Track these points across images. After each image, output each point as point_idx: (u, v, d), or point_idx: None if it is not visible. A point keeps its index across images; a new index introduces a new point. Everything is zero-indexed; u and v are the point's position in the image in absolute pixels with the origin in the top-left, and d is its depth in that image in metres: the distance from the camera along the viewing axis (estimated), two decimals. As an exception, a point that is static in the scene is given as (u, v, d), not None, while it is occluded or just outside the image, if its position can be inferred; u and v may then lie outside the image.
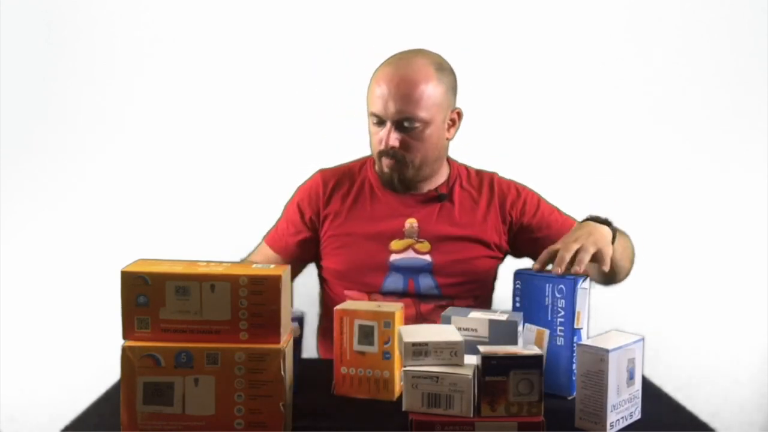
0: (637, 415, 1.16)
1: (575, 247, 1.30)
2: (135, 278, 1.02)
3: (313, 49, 2.41)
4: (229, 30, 2.43)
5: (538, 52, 2.44)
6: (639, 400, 1.16)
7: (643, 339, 1.16)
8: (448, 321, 1.20)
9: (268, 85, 2.42)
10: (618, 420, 1.11)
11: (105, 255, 2.30)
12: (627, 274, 1.65)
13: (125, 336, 1.03)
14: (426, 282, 1.59)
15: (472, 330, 1.19)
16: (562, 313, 1.24)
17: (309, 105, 2.39)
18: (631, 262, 1.64)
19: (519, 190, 1.71)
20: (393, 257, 1.60)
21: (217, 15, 2.43)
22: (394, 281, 1.59)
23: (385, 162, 1.60)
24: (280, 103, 2.41)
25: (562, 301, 1.24)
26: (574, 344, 1.21)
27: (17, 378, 2.39)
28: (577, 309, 1.24)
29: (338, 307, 1.24)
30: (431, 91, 1.55)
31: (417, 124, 1.55)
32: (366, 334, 1.21)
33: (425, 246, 1.61)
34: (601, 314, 2.43)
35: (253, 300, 1.02)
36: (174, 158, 2.42)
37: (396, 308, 1.23)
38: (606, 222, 1.44)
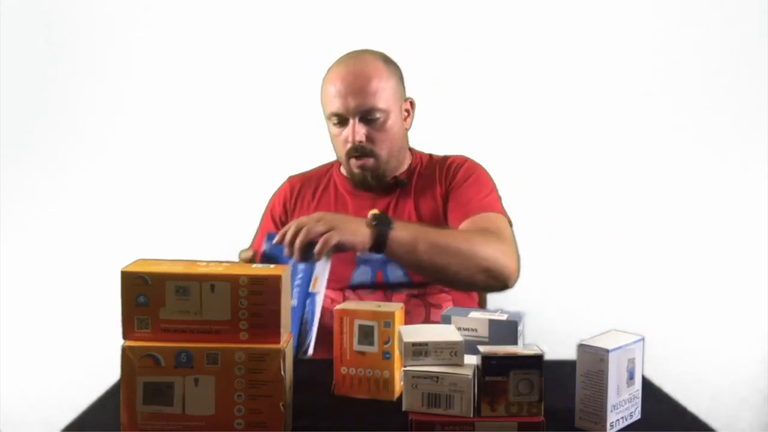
0: (637, 415, 1.15)
1: (298, 226, 1.30)
2: (135, 278, 1.02)
3: (312, 48, 2.41)
4: (228, 30, 2.43)
5: (538, 53, 2.44)
6: (639, 400, 1.16)
7: (643, 339, 1.16)
8: (448, 321, 1.20)
9: (268, 85, 2.42)
10: (618, 420, 1.11)
11: (105, 255, 2.30)
12: (453, 275, 1.44)
13: (125, 336, 1.03)
14: (394, 272, 1.59)
15: (472, 330, 1.19)
16: (301, 275, 1.29)
17: (308, 104, 2.39)
18: (458, 261, 1.43)
19: (461, 162, 1.70)
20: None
21: (216, 15, 2.43)
22: (362, 273, 1.60)
23: (355, 163, 1.63)
24: (280, 103, 2.41)
25: (302, 264, 1.29)
26: (306, 306, 1.27)
27: (17, 378, 2.39)
28: (315, 274, 1.29)
29: (338, 307, 1.24)
30: (384, 83, 1.61)
31: (378, 116, 1.59)
32: (366, 334, 1.21)
33: None
34: (601, 314, 2.44)
35: (253, 300, 1.02)
36: (174, 158, 2.42)
37: (396, 308, 1.23)
38: (385, 222, 1.38)
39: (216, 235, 2.35)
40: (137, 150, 2.43)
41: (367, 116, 1.59)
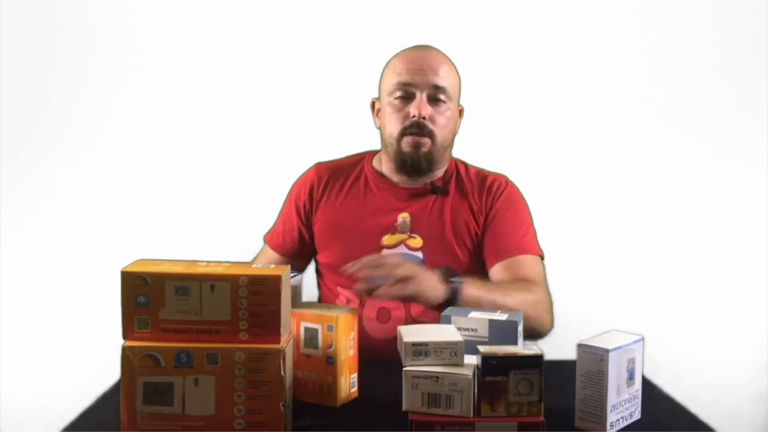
0: (637, 415, 1.16)
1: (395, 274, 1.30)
2: (135, 278, 1.02)
3: (312, 46, 2.41)
4: (227, 30, 2.43)
5: (538, 53, 2.44)
6: (639, 400, 1.16)
7: (643, 339, 1.16)
8: (448, 321, 1.20)
9: (268, 85, 2.42)
10: (618, 420, 1.11)
11: (105, 255, 2.30)
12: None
13: (125, 336, 1.03)
14: None
15: (472, 330, 1.19)
16: None
17: (308, 103, 2.39)
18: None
19: (503, 184, 1.67)
20: (384, 252, 1.58)
21: (216, 15, 2.43)
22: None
23: (409, 141, 1.58)
24: (279, 101, 2.41)
25: None
26: None
27: (17, 378, 2.39)
28: None
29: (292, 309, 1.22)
30: (452, 74, 1.62)
31: (444, 98, 1.58)
32: (311, 337, 1.19)
33: (417, 242, 1.59)
34: (601, 314, 2.44)
35: (253, 300, 1.02)
36: (174, 158, 2.42)
37: (343, 312, 1.20)
38: (455, 278, 1.40)
39: (216, 235, 2.35)
40: (137, 150, 2.43)
41: (435, 95, 1.57)
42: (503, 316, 1.20)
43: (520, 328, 1.21)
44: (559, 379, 1.14)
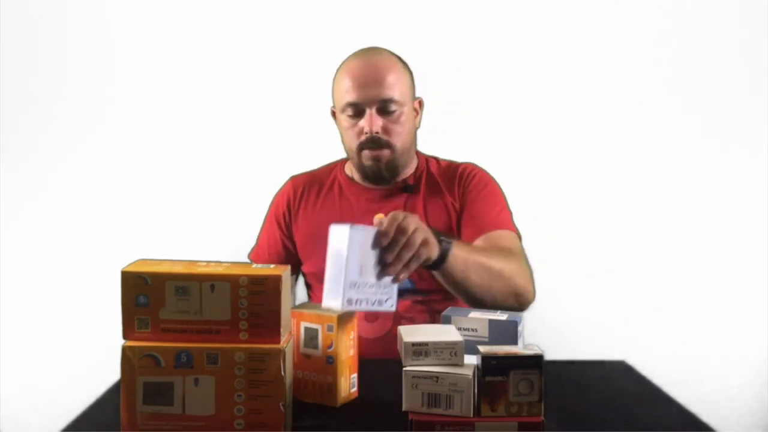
0: (390, 307, 1.17)
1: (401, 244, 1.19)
2: (135, 278, 1.02)
3: (313, 48, 2.41)
4: (226, 29, 2.43)
5: (539, 53, 2.45)
6: (394, 291, 1.18)
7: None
8: (448, 321, 1.20)
9: (269, 85, 2.42)
10: (360, 300, 1.12)
11: (105, 255, 2.30)
12: (500, 299, 1.43)
13: (125, 336, 1.03)
14: None
15: (472, 330, 1.19)
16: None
17: (308, 104, 2.39)
18: (503, 287, 1.44)
19: (473, 172, 1.68)
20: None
21: (219, 14, 2.43)
22: None
23: (367, 154, 1.60)
24: (280, 102, 2.41)
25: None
26: None
27: (17, 378, 2.39)
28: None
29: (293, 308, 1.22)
30: (401, 77, 1.61)
31: (395, 108, 1.58)
32: (311, 337, 1.19)
33: None
34: (602, 315, 2.44)
35: (253, 300, 1.02)
36: (174, 158, 2.42)
37: (343, 312, 1.20)
38: (437, 233, 1.33)
39: (216, 235, 2.35)
40: (137, 150, 2.43)
41: (384, 107, 1.58)
42: (503, 316, 1.21)
43: (521, 328, 1.21)
44: (558, 379, 1.14)
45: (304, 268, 1.70)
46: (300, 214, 1.70)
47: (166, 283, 1.02)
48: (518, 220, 1.66)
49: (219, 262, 1.08)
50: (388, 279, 1.16)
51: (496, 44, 2.44)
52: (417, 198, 1.65)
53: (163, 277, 1.02)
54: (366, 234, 1.14)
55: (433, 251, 1.28)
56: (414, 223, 1.22)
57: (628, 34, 2.46)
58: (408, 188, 1.66)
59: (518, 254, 1.55)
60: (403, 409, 1.04)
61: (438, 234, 1.33)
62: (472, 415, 1.01)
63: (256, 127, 2.42)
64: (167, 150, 2.43)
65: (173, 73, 2.44)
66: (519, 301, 1.46)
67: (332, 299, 1.11)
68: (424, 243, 1.23)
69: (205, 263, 1.07)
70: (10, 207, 2.43)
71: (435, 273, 1.38)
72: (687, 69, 2.47)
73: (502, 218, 1.63)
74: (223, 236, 2.31)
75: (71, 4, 2.43)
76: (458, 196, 1.65)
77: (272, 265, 1.08)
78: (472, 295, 1.42)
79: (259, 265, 1.08)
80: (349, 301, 1.08)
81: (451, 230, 1.62)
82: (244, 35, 2.43)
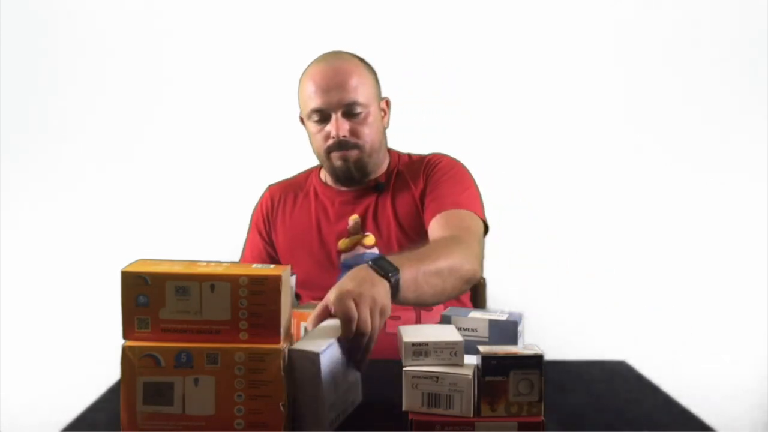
0: (357, 402, 1.13)
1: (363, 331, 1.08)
2: (135, 278, 1.02)
3: (308, 48, 2.41)
4: (227, 29, 2.43)
5: (538, 53, 2.45)
6: (359, 383, 1.13)
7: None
8: (448, 321, 1.20)
9: (268, 86, 2.43)
10: (339, 414, 1.08)
11: (105, 255, 2.30)
12: (446, 295, 1.38)
13: (125, 336, 1.03)
14: None
15: (472, 330, 1.19)
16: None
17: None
18: (452, 284, 1.36)
19: (439, 159, 1.68)
20: (343, 257, 1.62)
21: (217, 14, 2.43)
22: None
23: (336, 156, 1.61)
24: (279, 103, 2.41)
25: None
26: None
27: (17, 378, 2.39)
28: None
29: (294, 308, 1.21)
30: (364, 79, 1.62)
31: (360, 110, 1.59)
32: None
33: (371, 239, 1.62)
34: (602, 316, 2.44)
35: (253, 300, 1.02)
36: (174, 158, 2.42)
37: None
38: (388, 267, 1.21)
39: (216, 236, 2.35)
40: (137, 150, 2.43)
41: (349, 111, 1.59)
42: (503, 316, 1.20)
43: (521, 328, 1.21)
44: (558, 379, 1.14)
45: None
46: (278, 222, 1.72)
47: (166, 283, 1.02)
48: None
49: (219, 262, 1.08)
50: (353, 375, 1.13)
51: (496, 44, 2.44)
52: (386, 196, 1.66)
53: (163, 277, 1.02)
54: (331, 349, 1.05)
55: (387, 303, 1.16)
56: (364, 304, 1.09)
57: (627, 35, 2.46)
58: (379, 186, 1.67)
59: (465, 236, 1.47)
60: (403, 409, 1.04)
61: (384, 266, 1.20)
62: (472, 415, 1.01)
63: (256, 126, 2.42)
64: (167, 150, 2.43)
65: (175, 73, 2.44)
66: (469, 284, 1.42)
67: (316, 427, 1.05)
68: (382, 311, 1.13)
69: (205, 263, 1.07)
70: (9, 207, 2.43)
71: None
72: (686, 69, 2.47)
73: (465, 197, 1.59)
74: (223, 236, 2.31)
75: (73, 4, 2.43)
76: (424, 181, 1.65)
77: (272, 266, 1.08)
78: (430, 304, 1.41)
79: (259, 265, 1.08)
80: (331, 423, 1.07)
81: (418, 220, 1.60)
82: (245, 34, 2.43)
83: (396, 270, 1.21)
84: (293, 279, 1.26)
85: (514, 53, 2.44)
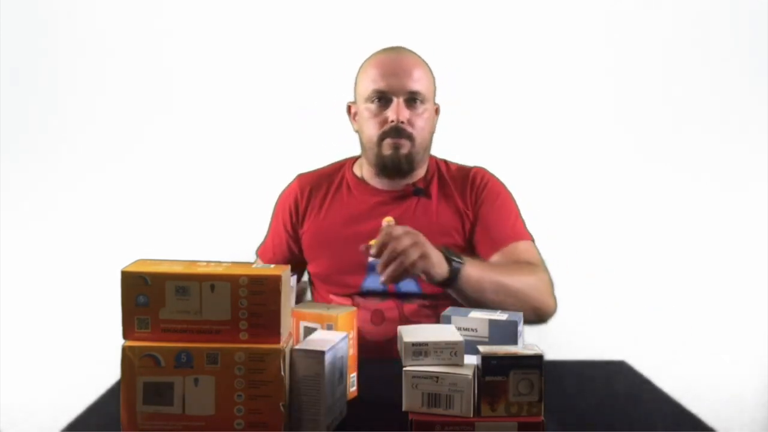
0: (341, 416, 1.14)
1: (393, 251, 1.27)
2: (135, 278, 1.02)
3: (310, 47, 2.41)
4: (229, 30, 2.43)
5: (538, 53, 2.45)
6: (345, 401, 1.16)
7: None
8: (448, 321, 1.20)
9: (269, 86, 2.43)
10: (334, 420, 1.10)
11: (105, 255, 2.30)
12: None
13: (125, 336, 1.03)
14: (406, 282, 1.53)
15: (472, 330, 1.19)
16: None
17: (309, 103, 2.39)
18: (523, 303, 1.43)
19: (484, 178, 1.68)
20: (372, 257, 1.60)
21: (223, 14, 2.44)
22: (373, 281, 1.56)
23: (389, 143, 1.59)
24: (280, 101, 2.42)
25: None
26: None
27: (17, 378, 2.39)
28: None
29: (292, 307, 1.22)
30: (427, 74, 1.62)
31: (420, 101, 1.59)
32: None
33: None
34: (602, 316, 2.44)
35: (253, 300, 1.02)
36: (174, 158, 2.43)
37: (342, 311, 1.22)
38: (456, 256, 1.37)
39: (216, 235, 2.35)
40: (137, 150, 2.43)
41: (411, 98, 1.58)
42: (503, 316, 1.21)
43: (521, 328, 1.21)
44: (558, 379, 1.14)
45: (310, 268, 1.69)
46: (307, 215, 1.68)
47: (166, 283, 1.02)
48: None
49: (219, 262, 1.08)
50: (342, 387, 1.14)
51: (496, 44, 2.44)
52: (428, 201, 1.64)
53: (163, 277, 1.02)
54: (332, 351, 1.09)
55: (436, 268, 1.31)
56: (410, 236, 1.27)
57: (627, 35, 2.46)
58: (419, 191, 1.64)
59: (537, 266, 1.55)
60: (403, 409, 1.04)
61: (449, 253, 1.35)
62: (472, 415, 1.01)
63: (256, 126, 2.42)
64: (168, 150, 2.43)
65: (174, 73, 2.44)
66: (537, 314, 1.47)
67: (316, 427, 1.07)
68: (423, 257, 1.27)
69: (205, 263, 1.07)
70: (9, 207, 2.43)
71: (448, 290, 1.39)
72: (686, 71, 2.47)
73: (518, 229, 1.63)
74: (224, 236, 2.31)
75: (73, 4, 2.43)
76: (471, 204, 1.64)
77: (272, 265, 1.08)
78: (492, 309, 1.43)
79: (260, 265, 1.08)
80: (328, 427, 1.07)
81: (463, 234, 1.61)
82: (246, 35, 2.43)
83: (461, 261, 1.36)
84: (293, 279, 1.27)
85: (514, 54, 2.45)
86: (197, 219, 2.39)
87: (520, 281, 1.46)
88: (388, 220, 1.60)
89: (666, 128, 2.48)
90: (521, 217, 1.67)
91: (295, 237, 1.70)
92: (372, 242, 1.42)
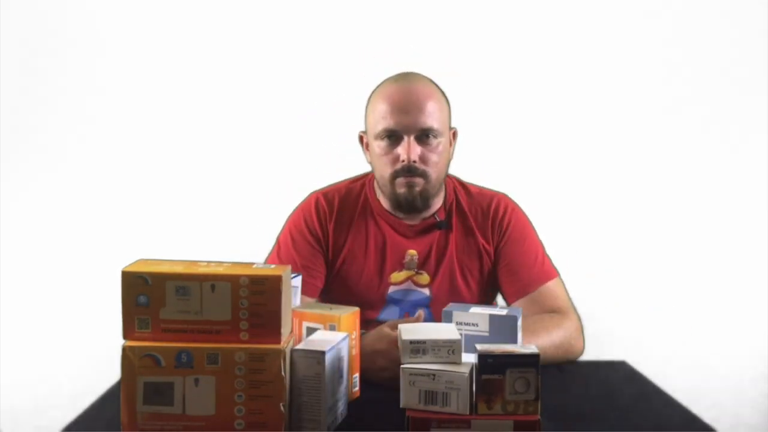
0: (342, 414, 1.14)
1: None
2: (135, 278, 1.03)
3: (319, 55, 2.42)
4: (234, 31, 2.44)
5: (536, 56, 2.45)
6: (345, 398, 1.16)
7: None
8: (449, 317, 1.20)
9: (271, 89, 2.43)
10: (336, 418, 1.10)
11: (105, 255, 2.31)
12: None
13: (125, 336, 1.03)
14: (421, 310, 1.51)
15: (473, 325, 1.19)
16: None
17: (311, 107, 2.40)
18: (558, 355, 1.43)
19: (506, 212, 1.61)
20: (392, 289, 1.56)
21: (230, 18, 2.44)
22: (390, 314, 1.55)
23: (402, 182, 1.52)
24: (282, 106, 2.42)
25: None
26: None
27: (18, 377, 2.40)
28: None
29: (293, 307, 1.21)
30: (440, 105, 1.53)
31: (433, 137, 1.51)
32: None
33: (425, 278, 1.57)
34: (602, 316, 2.44)
35: (253, 300, 1.02)
36: (175, 159, 2.43)
37: (345, 311, 1.21)
38: None
39: (217, 236, 2.35)
40: (138, 150, 2.44)
41: (423, 135, 1.50)
42: (503, 311, 1.21)
43: (520, 323, 1.21)
44: (558, 379, 1.14)
45: (324, 293, 1.61)
46: (333, 236, 1.59)
47: (167, 283, 1.02)
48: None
49: (220, 263, 1.08)
50: (342, 387, 1.14)
51: (496, 46, 2.44)
52: (448, 236, 1.58)
53: (164, 277, 1.02)
54: (335, 350, 1.10)
55: None
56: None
57: (627, 35, 2.47)
58: (441, 225, 1.58)
59: (565, 313, 1.51)
60: (401, 406, 1.04)
61: None
62: (468, 413, 1.02)
63: (256, 128, 2.43)
64: (168, 151, 2.43)
65: (179, 74, 2.44)
66: (569, 361, 1.45)
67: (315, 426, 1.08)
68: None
69: (205, 263, 1.07)
70: (10, 207, 2.44)
71: None
72: (686, 72, 2.47)
73: (546, 268, 1.58)
74: (225, 236, 2.32)
75: (72, 5, 2.44)
76: (492, 242, 1.58)
77: (272, 266, 1.08)
78: None
79: (260, 265, 1.09)
80: (329, 427, 1.08)
81: (480, 275, 1.57)
82: (250, 38, 2.43)
83: None
84: (298, 280, 1.27)
85: (514, 55, 2.45)
86: (198, 219, 2.40)
87: (547, 342, 1.39)
88: (411, 253, 1.57)
89: (666, 129, 2.48)
90: (546, 252, 1.61)
91: (325, 251, 1.60)
92: (394, 275, 1.45)
